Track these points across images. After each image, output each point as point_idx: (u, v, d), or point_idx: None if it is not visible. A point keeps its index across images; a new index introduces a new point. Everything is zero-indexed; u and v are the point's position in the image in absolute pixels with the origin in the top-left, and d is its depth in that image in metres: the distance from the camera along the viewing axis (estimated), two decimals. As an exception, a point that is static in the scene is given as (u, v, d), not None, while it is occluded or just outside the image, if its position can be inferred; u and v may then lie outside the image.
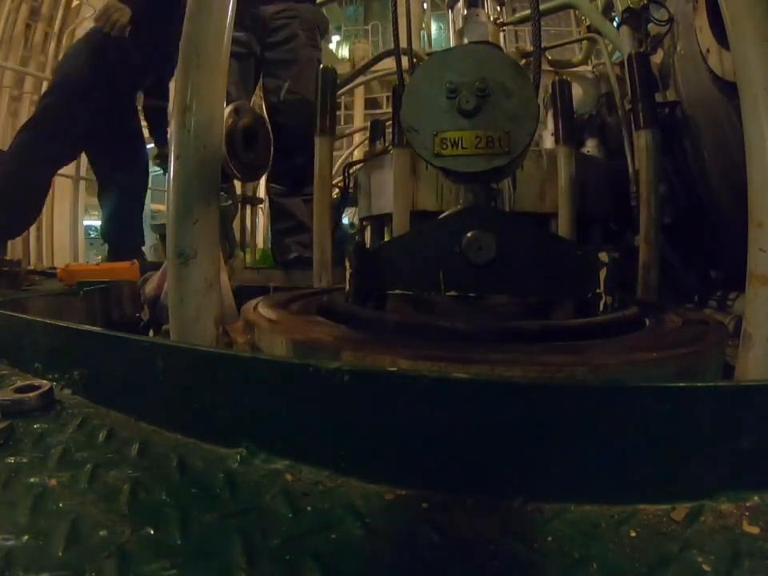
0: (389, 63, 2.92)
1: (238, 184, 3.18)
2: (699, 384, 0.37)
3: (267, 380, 0.45)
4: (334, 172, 1.83)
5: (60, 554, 0.31)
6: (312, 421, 0.42)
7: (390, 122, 1.85)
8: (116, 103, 2.43)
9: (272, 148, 1.52)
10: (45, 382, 0.53)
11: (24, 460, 0.42)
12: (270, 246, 2.80)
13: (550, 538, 0.32)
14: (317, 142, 1.55)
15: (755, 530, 0.32)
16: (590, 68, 2.50)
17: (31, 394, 0.50)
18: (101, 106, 2.32)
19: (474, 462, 0.38)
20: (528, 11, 1.56)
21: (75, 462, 0.42)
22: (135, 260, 1.92)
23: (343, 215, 2.63)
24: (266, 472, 0.41)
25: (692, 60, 1.35)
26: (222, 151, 0.89)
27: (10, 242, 3.41)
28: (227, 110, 1.30)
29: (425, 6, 9.10)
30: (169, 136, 0.76)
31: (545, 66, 1.94)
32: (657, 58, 1.64)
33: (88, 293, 1.60)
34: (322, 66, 1.63)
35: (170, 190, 0.75)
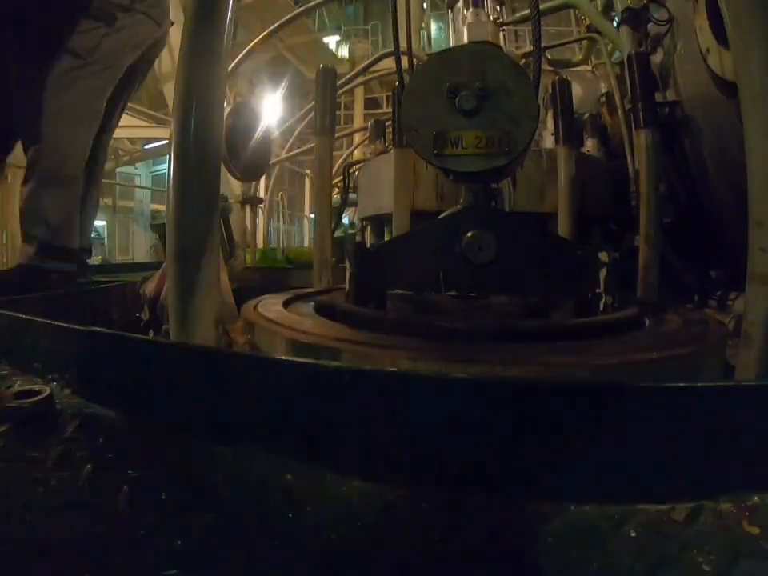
0: (389, 63, 2.92)
1: (237, 184, 3.19)
2: (699, 384, 0.37)
3: (267, 380, 0.45)
4: (334, 172, 1.83)
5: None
6: (312, 421, 0.42)
7: (390, 122, 1.85)
8: None
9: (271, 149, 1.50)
10: (45, 387, 0.52)
11: (24, 460, 0.42)
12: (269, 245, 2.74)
13: (550, 538, 0.32)
14: (317, 142, 1.55)
15: (755, 530, 0.32)
16: (589, 68, 2.50)
17: (30, 400, 0.49)
18: None
19: (474, 462, 0.38)
20: (528, 11, 1.56)
21: (75, 462, 0.42)
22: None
23: (343, 215, 2.63)
24: (266, 472, 0.41)
25: (692, 60, 1.35)
26: (223, 151, 0.88)
27: (10, 243, 3.41)
28: (227, 110, 1.30)
29: (425, 6, 9.10)
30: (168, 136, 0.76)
31: (545, 66, 1.94)
32: (657, 57, 1.64)
33: (88, 293, 1.60)
34: (322, 66, 1.61)
35: (170, 189, 0.75)
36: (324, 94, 1.55)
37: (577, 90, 1.90)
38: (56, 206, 1.50)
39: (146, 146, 8.80)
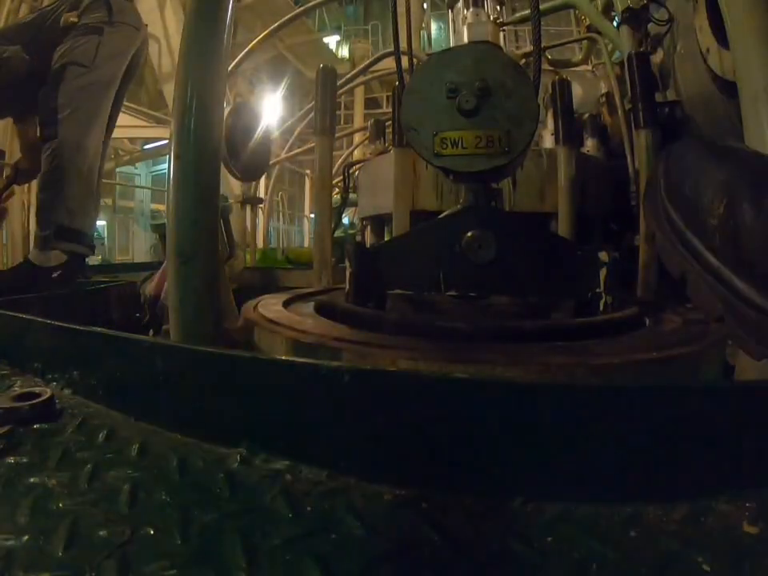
0: (389, 63, 2.92)
1: (237, 184, 3.19)
2: (699, 384, 0.37)
3: (267, 380, 0.45)
4: (334, 172, 1.83)
5: (60, 553, 0.31)
6: (312, 421, 0.42)
7: (390, 122, 1.85)
8: None
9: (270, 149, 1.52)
10: (46, 389, 0.52)
11: (24, 460, 0.42)
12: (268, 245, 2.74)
13: (549, 538, 0.32)
14: (317, 142, 1.55)
15: (755, 530, 0.32)
16: (589, 68, 2.50)
17: (30, 402, 0.49)
18: None
19: (474, 462, 0.38)
20: (528, 11, 1.56)
21: (75, 462, 0.42)
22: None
23: (343, 215, 2.62)
24: (266, 472, 0.41)
25: (692, 60, 1.35)
26: (223, 151, 0.88)
27: (10, 243, 3.41)
28: (227, 110, 1.30)
29: (425, 6, 9.10)
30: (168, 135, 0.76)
31: (545, 66, 1.94)
32: (657, 57, 1.64)
33: (88, 293, 1.60)
34: (322, 66, 1.62)
35: (170, 189, 0.75)
36: (324, 93, 1.55)
37: (577, 90, 1.90)
38: (72, 193, 1.66)
39: (146, 146, 8.80)
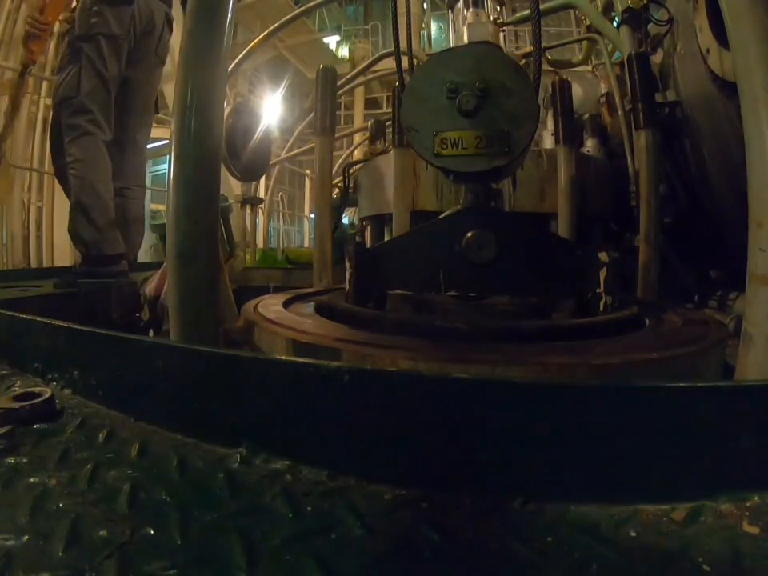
0: (389, 63, 2.92)
1: (237, 184, 3.19)
2: (699, 384, 0.37)
3: (267, 380, 0.45)
4: (334, 172, 1.83)
5: (60, 553, 0.31)
6: (312, 421, 0.42)
7: (390, 122, 1.85)
8: None
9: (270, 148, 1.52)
10: (46, 389, 0.52)
11: (24, 460, 0.42)
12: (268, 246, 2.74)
13: (549, 538, 0.32)
14: (317, 142, 1.55)
15: (755, 530, 0.32)
16: (590, 68, 2.50)
17: (30, 402, 0.49)
18: None
19: (474, 462, 0.38)
20: (528, 11, 1.56)
21: (75, 462, 0.42)
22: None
23: (343, 215, 2.62)
24: (266, 472, 0.41)
25: (692, 60, 1.35)
26: (223, 151, 0.88)
27: (10, 244, 3.41)
28: (227, 110, 1.30)
29: (425, 5, 9.10)
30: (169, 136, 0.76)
31: (545, 66, 1.94)
32: (657, 58, 1.64)
33: (88, 293, 1.60)
34: (322, 66, 1.62)
35: (170, 189, 0.75)
36: (324, 94, 1.55)
37: (577, 91, 1.90)
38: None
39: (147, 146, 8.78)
